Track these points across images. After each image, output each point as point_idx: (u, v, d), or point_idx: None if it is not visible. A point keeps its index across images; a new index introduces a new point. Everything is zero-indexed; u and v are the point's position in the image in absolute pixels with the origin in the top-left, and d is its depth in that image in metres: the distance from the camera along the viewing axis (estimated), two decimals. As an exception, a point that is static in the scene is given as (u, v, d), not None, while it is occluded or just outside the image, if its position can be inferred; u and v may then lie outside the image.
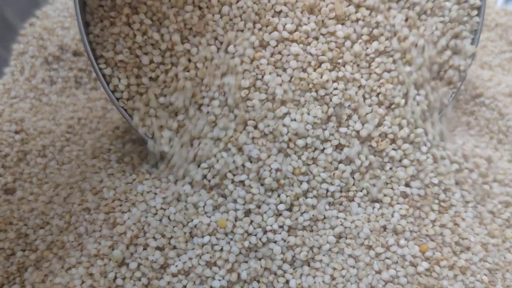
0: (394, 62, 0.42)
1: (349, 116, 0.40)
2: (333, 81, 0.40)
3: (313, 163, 0.40)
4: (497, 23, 0.71)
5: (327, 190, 0.40)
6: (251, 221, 0.38)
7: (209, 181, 0.40)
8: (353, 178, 0.40)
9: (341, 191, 0.40)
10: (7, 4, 0.60)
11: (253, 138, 0.39)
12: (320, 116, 0.39)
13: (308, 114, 0.39)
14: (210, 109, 0.40)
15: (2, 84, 0.57)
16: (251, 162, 0.39)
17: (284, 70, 0.40)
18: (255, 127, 0.39)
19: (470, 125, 0.55)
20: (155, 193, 0.41)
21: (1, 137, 0.49)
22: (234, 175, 0.39)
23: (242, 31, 0.40)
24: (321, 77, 0.40)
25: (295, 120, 0.39)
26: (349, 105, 0.40)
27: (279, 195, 0.39)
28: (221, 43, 0.40)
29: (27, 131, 0.51)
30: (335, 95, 0.40)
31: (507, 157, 0.52)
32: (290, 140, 0.39)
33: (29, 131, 0.51)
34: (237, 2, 0.40)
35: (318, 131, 0.39)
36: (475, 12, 0.45)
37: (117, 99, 0.41)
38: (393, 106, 0.42)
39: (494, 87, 0.59)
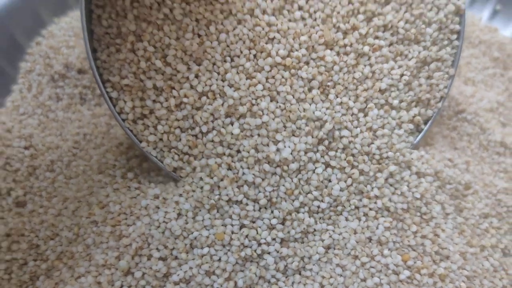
0: (380, 90, 0.45)
1: (339, 138, 0.43)
2: (324, 108, 0.43)
3: (305, 184, 0.43)
4: (481, 40, 0.74)
5: (318, 207, 0.42)
6: (247, 235, 0.41)
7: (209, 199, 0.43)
8: (342, 195, 0.43)
9: (330, 207, 0.43)
10: (15, 24, 0.63)
11: (247, 163, 0.42)
12: (312, 142, 0.42)
13: (300, 142, 0.42)
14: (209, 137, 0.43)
15: (11, 101, 0.59)
16: (247, 186, 0.42)
17: (278, 93, 0.43)
18: (249, 152, 0.42)
19: (453, 140, 0.58)
20: (158, 207, 0.43)
21: (12, 152, 0.51)
22: (229, 198, 0.42)
23: (238, 56, 0.43)
24: (311, 105, 0.42)
25: (288, 147, 0.42)
26: (338, 128, 0.43)
27: (272, 211, 0.42)
28: (219, 67, 0.43)
29: (36, 146, 0.53)
30: (326, 121, 0.42)
31: (487, 170, 0.55)
32: (283, 163, 0.42)
33: (38, 147, 0.53)
34: (233, 29, 0.43)
35: (310, 154, 0.42)
36: (454, 36, 0.49)
37: (123, 120, 0.44)
38: (378, 132, 0.45)
39: (476, 103, 0.63)
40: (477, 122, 0.60)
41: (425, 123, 0.49)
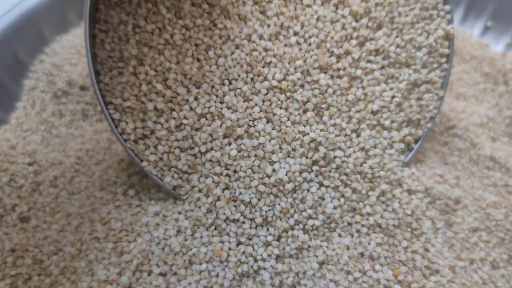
0: (372, 111, 0.47)
1: (333, 158, 0.45)
2: (319, 129, 0.44)
3: (300, 203, 0.44)
4: (472, 55, 0.75)
5: (313, 225, 0.44)
6: (243, 251, 0.42)
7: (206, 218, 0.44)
8: (335, 212, 0.44)
9: (324, 224, 0.45)
10: (18, 42, 0.64)
11: (244, 183, 0.43)
12: (306, 163, 0.44)
13: (295, 163, 0.43)
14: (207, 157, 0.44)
15: (15, 118, 0.61)
16: (244, 205, 0.43)
17: (274, 115, 0.44)
18: (245, 172, 0.43)
19: (444, 155, 0.60)
20: (158, 224, 0.45)
21: (16, 169, 0.53)
22: (227, 217, 0.43)
23: (236, 80, 0.45)
24: (305, 126, 0.44)
25: (284, 168, 0.43)
26: (332, 149, 0.45)
27: (268, 229, 0.43)
28: (218, 90, 0.44)
29: (39, 162, 0.55)
30: (320, 142, 0.44)
31: (476, 185, 0.57)
32: (279, 184, 0.43)
33: (41, 163, 0.55)
34: (231, 54, 0.44)
35: (305, 174, 0.44)
36: (444, 60, 0.50)
37: (125, 140, 0.45)
38: (370, 152, 0.47)
39: (467, 118, 0.64)
40: (468, 137, 0.61)
41: (416, 142, 0.51)
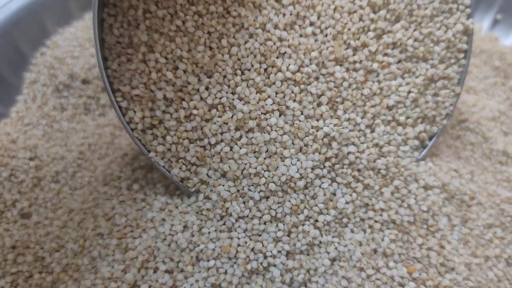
0: (388, 106, 0.45)
1: (346, 154, 0.43)
2: (332, 124, 0.43)
3: (311, 199, 0.43)
4: (482, 49, 0.74)
5: (324, 220, 0.43)
6: (252, 248, 0.41)
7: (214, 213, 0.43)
8: (347, 207, 0.43)
9: (335, 219, 0.43)
10: (20, 34, 0.63)
11: (253, 180, 0.42)
12: (319, 158, 0.42)
13: (307, 159, 0.42)
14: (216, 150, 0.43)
15: (15, 111, 0.60)
16: (253, 202, 0.42)
17: (287, 108, 0.43)
18: (256, 168, 0.42)
19: (457, 150, 0.59)
20: (164, 220, 0.43)
21: (17, 164, 0.51)
22: (237, 214, 0.42)
23: (249, 70, 0.43)
24: (319, 121, 0.43)
25: (295, 165, 0.42)
26: (345, 144, 0.43)
27: (277, 225, 0.42)
28: (230, 81, 0.43)
29: (40, 157, 0.53)
30: (334, 137, 0.43)
31: (490, 180, 0.56)
32: (290, 181, 0.42)
33: (43, 158, 0.53)
34: (245, 43, 0.43)
35: (317, 171, 0.42)
36: (462, 55, 0.49)
37: (132, 129, 0.44)
38: (384, 148, 0.45)
39: (478, 112, 0.63)
40: (480, 131, 0.60)
41: (430, 139, 0.49)
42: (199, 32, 0.42)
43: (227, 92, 0.43)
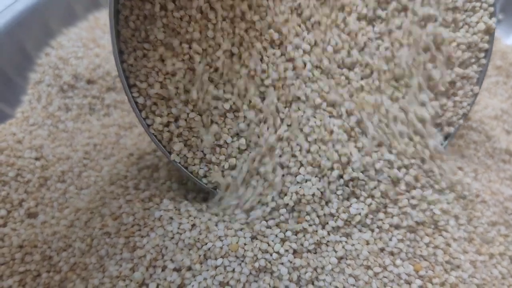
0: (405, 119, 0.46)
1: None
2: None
3: (325, 205, 0.44)
4: (484, 48, 0.75)
5: (335, 224, 0.43)
6: (259, 247, 0.41)
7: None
8: (360, 213, 0.44)
9: (344, 223, 0.44)
10: (25, 34, 0.63)
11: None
12: (336, 176, 0.43)
13: (324, 177, 0.43)
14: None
15: (21, 112, 0.60)
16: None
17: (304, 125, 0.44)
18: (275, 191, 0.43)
19: (460, 148, 0.59)
20: (172, 218, 0.44)
21: (23, 163, 0.52)
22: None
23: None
24: (337, 142, 0.44)
25: (313, 184, 0.43)
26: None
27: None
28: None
29: (46, 157, 0.54)
30: (354, 162, 0.43)
31: (493, 178, 0.56)
32: (303, 197, 0.43)
33: (48, 158, 0.54)
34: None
35: (333, 186, 0.43)
36: (482, 55, 0.48)
37: (148, 125, 0.43)
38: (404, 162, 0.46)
39: (481, 110, 0.63)
40: (483, 129, 0.60)
41: (445, 139, 0.49)
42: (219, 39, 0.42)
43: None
